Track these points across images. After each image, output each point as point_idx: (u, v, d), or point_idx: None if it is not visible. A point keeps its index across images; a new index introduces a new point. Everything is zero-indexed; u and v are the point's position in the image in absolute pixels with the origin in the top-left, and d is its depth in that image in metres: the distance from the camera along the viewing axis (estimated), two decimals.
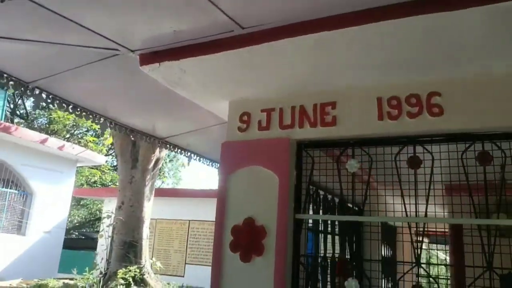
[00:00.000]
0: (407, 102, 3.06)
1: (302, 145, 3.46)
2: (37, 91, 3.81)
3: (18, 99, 22.91)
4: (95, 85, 3.92)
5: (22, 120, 23.79)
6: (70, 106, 4.14)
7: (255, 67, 3.11)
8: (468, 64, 2.84)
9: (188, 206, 13.63)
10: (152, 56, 3.22)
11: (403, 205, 3.08)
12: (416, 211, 3.02)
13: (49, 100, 3.92)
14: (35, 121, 23.81)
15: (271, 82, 3.33)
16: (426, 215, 3.02)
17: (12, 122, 20.65)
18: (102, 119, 4.50)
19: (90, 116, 4.38)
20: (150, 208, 11.35)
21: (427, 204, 3.01)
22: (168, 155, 24.88)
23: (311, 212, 3.83)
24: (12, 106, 23.47)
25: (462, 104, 2.92)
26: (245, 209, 3.36)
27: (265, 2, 2.53)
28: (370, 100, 3.18)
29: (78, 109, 4.22)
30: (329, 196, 4.77)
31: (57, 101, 3.99)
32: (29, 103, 23.98)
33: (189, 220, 13.73)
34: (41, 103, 3.97)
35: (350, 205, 5.85)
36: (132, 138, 5.35)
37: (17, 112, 24.37)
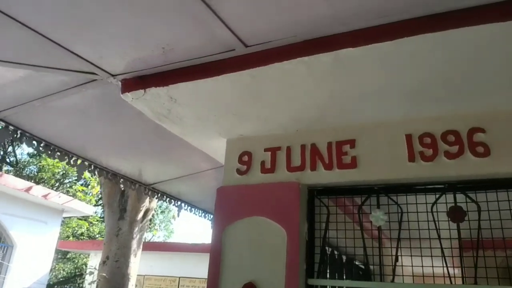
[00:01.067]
0: (444, 140, 2.52)
1: (315, 191, 2.86)
2: (2, 124, 3.23)
3: (8, 146, 22.29)
4: (70, 119, 3.36)
5: (11, 168, 23.02)
6: (42, 144, 3.55)
7: (259, 95, 2.57)
8: None
9: (179, 262, 12.65)
10: (136, 82, 2.69)
11: (445, 268, 2.43)
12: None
13: (16, 136, 3.34)
14: (24, 169, 23.05)
15: (277, 114, 2.78)
16: (476, 281, 2.36)
17: (0, 169, 19.90)
18: (79, 161, 3.90)
19: (66, 157, 3.78)
20: (137, 264, 10.42)
21: (476, 267, 2.36)
22: (160, 206, 23.95)
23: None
24: (1, 153, 22.80)
25: (508, 143, 2.37)
26: (244, 272, 2.68)
27: (278, 9, 2.02)
28: (397, 137, 2.63)
29: (51, 148, 3.63)
30: (336, 253, 4.15)
31: (26, 137, 3.40)
32: (20, 150, 23.37)
33: (179, 277, 12.71)
34: (7, 140, 3.37)
35: (358, 263, 5.17)
36: (122, 186, 4.72)
37: (7, 159, 23.66)
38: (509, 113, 2.41)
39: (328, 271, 3.56)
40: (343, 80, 2.35)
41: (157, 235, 25.68)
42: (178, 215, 5.59)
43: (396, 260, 2.60)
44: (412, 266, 2.60)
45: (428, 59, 2.12)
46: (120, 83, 2.75)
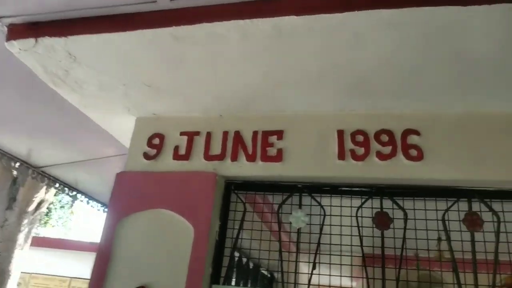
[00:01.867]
0: (377, 139, 2.28)
1: (232, 185, 2.47)
2: None
3: None
4: None
5: None
6: None
7: (181, 62, 2.11)
8: (460, 96, 2.16)
9: (72, 261, 11.40)
10: (26, 28, 2.09)
11: (365, 279, 2.16)
12: None
13: None
14: None
15: (200, 91, 2.35)
16: None
17: None
18: None
19: None
20: (23, 260, 9.13)
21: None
22: (60, 201, 21.87)
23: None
24: None
25: (447, 148, 2.20)
26: (138, 273, 2.19)
27: None
28: (329, 132, 2.35)
29: None
30: (243, 257, 3.82)
31: None
32: None
33: (71, 278, 11.45)
34: None
35: (264, 271, 4.86)
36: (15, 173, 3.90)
37: None
38: (447, 117, 2.25)
39: (234, 277, 3.21)
40: (280, 56, 1.99)
41: (53, 232, 23.37)
42: (71, 206, 4.84)
43: (314, 268, 2.29)
44: (329, 275, 2.31)
45: (374, 42, 1.84)
46: (5, 28, 2.13)
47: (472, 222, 2.13)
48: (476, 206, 2.18)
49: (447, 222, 2.18)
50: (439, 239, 2.51)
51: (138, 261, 2.21)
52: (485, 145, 2.16)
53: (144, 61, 2.13)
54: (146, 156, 2.52)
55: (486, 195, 2.18)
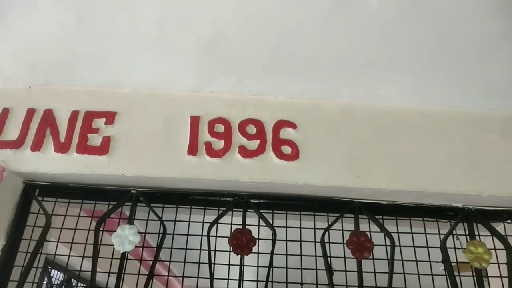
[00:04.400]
0: (241, 131, 1.61)
1: (37, 189, 1.61)
2: None
3: None
4: None
5: None
6: None
7: None
8: (349, 80, 1.59)
9: None
10: None
11: None
12: None
13: None
14: None
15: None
16: None
17: None
18: None
19: None
20: None
21: None
22: None
23: None
24: None
25: (328, 147, 1.58)
26: None
27: None
28: (179, 117, 1.63)
29: None
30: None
31: None
32: None
33: None
34: None
35: None
36: None
37: None
38: (330, 109, 1.65)
39: None
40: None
41: None
42: None
43: None
44: None
45: None
46: None
47: (359, 245, 1.49)
48: (365, 226, 1.57)
49: (327, 245, 1.52)
50: (331, 270, 1.83)
51: None
52: (375, 145, 1.59)
53: None
54: None
55: (377, 210, 1.59)
